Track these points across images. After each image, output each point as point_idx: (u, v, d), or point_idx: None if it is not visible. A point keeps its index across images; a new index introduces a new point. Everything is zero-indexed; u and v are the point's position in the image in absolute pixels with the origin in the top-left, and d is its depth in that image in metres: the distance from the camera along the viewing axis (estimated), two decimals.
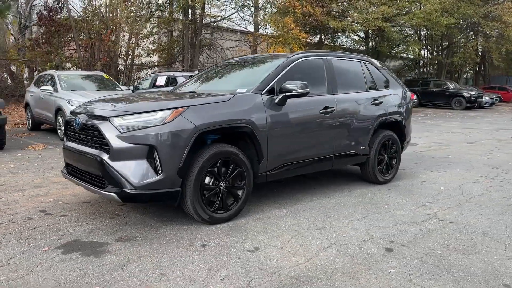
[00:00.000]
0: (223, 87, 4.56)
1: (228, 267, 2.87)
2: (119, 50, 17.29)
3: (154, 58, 21.99)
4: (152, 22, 21.17)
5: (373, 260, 3.05)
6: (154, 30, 21.30)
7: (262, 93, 4.10)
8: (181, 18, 21.51)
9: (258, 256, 3.07)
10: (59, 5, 16.90)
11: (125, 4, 18.59)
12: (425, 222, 3.96)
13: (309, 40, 25.30)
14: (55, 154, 7.44)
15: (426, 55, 34.14)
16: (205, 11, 21.49)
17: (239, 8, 23.06)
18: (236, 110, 3.81)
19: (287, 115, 4.23)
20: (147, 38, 20.29)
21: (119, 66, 18.52)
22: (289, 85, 4.10)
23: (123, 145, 3.33)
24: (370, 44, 30.36)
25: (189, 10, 21.12)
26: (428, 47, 33.26)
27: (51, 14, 16.72)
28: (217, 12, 22.41)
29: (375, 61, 5.78)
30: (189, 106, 3.56)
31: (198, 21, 21.21)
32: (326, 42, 29.03)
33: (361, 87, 5.29)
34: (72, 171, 4.02)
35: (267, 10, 23.75)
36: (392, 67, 36.35)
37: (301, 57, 4.66)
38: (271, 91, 4.18)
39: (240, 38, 24.88)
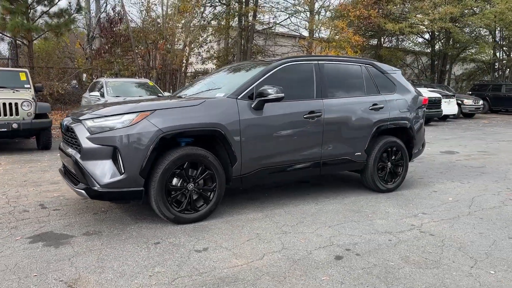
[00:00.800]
0: (212, 92, 4.70)
1: (165, 264, 2.98)
2: (174, 58, 18.15)
3: (210, 66, 22.77)
4: (208, 31, 21.98)
5: (314, 266, 2.98)
6: (209, 38, 22.08)
7: (238, 98, 4.17)
8: (235, 25, 22.07)
9: (201, 256, 3.14)
10: (119, 17, 18.20)
11: (180, 15, 19.50)
12: (401, 233, 3.76)
13: (366, 44, 24.62)
14: None
15: (502, 57, 31.52)
16: (256, 18, 21.84)
17: (292, 14, 23.14)
18: (205, 114, 3.92)
19: (265, 119, 4.25)
20: (201, 46, 21.09)
21: (175, 73, 19.45)
22: (264, 90, 4.12)
23: (91, 146, 3.59)
24: (436, 46, 28.79)
25: (242, 18, 21.59)
26: (504, 48, 30.70)
27: (111, 25, 18.05)
28: (270, 19, 22.67)
29: (380, 64, 5.57)
30: (155, 110, 3.75)
31: (250, 28, 21.60)
32: (385, 45, 28.07)
33: (358, 91, 5.13)
34: (64, 169, 4.40)
35: (321, 15, 23.61)
36: (464, 70, 34.05)
37: (285, 62, 4.66)
38: (251, 96, 4.23)
39: (293, 43, 24.89)
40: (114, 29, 18.27)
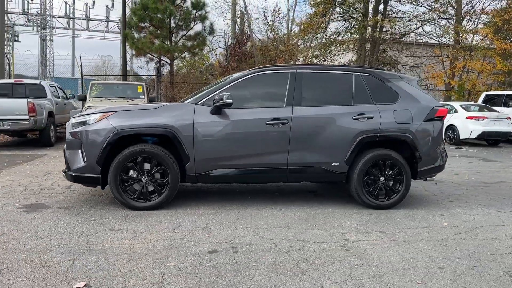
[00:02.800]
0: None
1: (80, 235, 3.64)
2: None
3: None
4: (332, 46, 22.16)
5: (181, 254, 3.24)
6: (334, 52, 22.20)
7: (198, 103, 4.61)
8: (358, 37, 21.69)
9: (108, 233, 3.70)
10: (246, 38, 19.96)
11: (304, 32, 20.25)
12: (318, 243, 3.62)
13: None
14: None
15: None
16: (384, 29, 21.02)
17: (427, 21, 21.47)
18: (159, 117, 4.48)
19: (222, 123, 4.57)
20: (324, 60, 21.38)
21: None
22: (217, 96, 4.47)
23: (70, 138, 4.54)
24: None
25: (365, 30, 21.08)
26: None
27: (239, 45, 19.92)
28: (401, 28, 21.52)
29: (381, 73, 5.18)
30: (116, 111, 4.49)
31: (376, 39, 20.91)
32: None
33: (344, 101, 4.92)
34: None
35: (468, 20, 21.28)
36: None
37: (254, 72, 4.88)
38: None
39: (430, 52, 22.95)
40: (242, 48, 20.07)
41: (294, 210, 4.71)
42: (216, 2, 22.99)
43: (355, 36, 22.71)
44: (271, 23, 20.40)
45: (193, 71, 23.72)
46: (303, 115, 4.72)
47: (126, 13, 19.18)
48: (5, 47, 38.47)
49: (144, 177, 4.47)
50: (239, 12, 21.72)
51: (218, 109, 4.55)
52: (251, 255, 3.30)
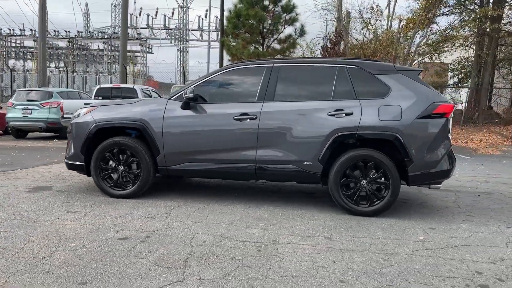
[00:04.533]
0: None
1: (49, 214, 4.13)
2: None
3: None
4: (446, 40, 20.10)
5: (101, 238, 3.44)
6: (446, 48, 20.15)
7: (171, 98, 4.77)
8: (471, 32, 19.23)
9: (65, 215, 4.08)
10: (340, 39, 19.39)
11: (406, 29, 18.87)
12: (227, 240, 3.47)
13: None
14: None
15: None
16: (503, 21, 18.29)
17: None
18: (134, 111, 4.76)
19: (191, 118, 4.64)
20: (430, 58, 19.57)
21: None
22: (185, 92, 4.57)
23: (68, 130, 5.13)
24: None
25: (480, 23, 18.55)
26: None
27: (333, 45, 19.46)
28: None
29: (372, 64, 4.61)
30: (99, 106, 4.92)
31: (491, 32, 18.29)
32: None
33: (322, 96, 4.55)
34: None
35: None
36: None
37: (234, 66, 4.83)
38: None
39: None
40: (335, 48, 19.58)
41: (261, 209, 4.54)
42: (316, 5, 22.55)
43: (473, 29, 20.19)
44: (367, 20, 19.44)
45: None
46: (272, 110, 4.51)
47: (224, 21, 20.33)
48: (139, 58, 44.23)
49: (121, 167, 4.80)
50: (337, 12, 21.14)
51: (187, 104, 4.64)
52: (155, 245, 3.33)
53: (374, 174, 4.36)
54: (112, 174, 4.84)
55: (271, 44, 19.03)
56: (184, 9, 55.53)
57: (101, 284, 2.62)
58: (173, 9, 52.36)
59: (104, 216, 4.07)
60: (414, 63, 18.98)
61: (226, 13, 20.12)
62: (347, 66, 4.59)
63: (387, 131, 4.28)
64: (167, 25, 59.47)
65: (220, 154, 4.60)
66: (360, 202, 4.40)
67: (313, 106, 4.47)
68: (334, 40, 19.50)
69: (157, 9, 53.26)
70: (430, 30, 19.53)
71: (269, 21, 18.52)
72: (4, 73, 31.90)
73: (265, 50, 18.74)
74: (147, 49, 43.16)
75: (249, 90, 4.71)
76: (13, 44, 43.54)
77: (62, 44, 44.40)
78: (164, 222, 3.95)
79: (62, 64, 44.02)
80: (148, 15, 59.57)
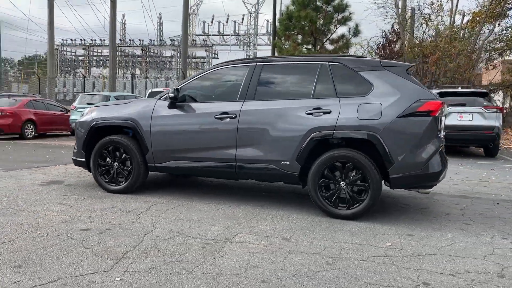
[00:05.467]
0: None
1: (29, 200, 4.53)
2: (438, 71, 16.62)
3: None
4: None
5: (65, 228, 3.71)
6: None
7: (160, 98, 4.96)
8: None
9: (54, 207, 4.43)
10: (396, 37, 18.47)
11: (472, 25, 17.56)
12: (180, 236, 3.52)
13: None
14: None
15: None
16: None
17: None
18: (126, 111, 5.01)
19: (175, 117, 4.78)
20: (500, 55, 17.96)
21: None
22: (168, 92, 4.73)
23: (75, 129, 5.55)
24: None
25: None
26: None
27: (389, 44, 18.61)
28: None
29: (356, 60, 4.39)
30: (100, 106, 5.24)
31: None
32: None
33: (302, 94, 4.43)
34: None
35: None
36: None
37: (220, 66, 4.88)
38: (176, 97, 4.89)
39: None
40: (391, 46, 18.72)
41: (240, 208, 4.53)
42: (375, 2, 21.75)
43: None
44: (427, 16, 18.32)
45: None
46: (252, 109, 4.49)
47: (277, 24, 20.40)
48: (206, 64, 45.92)
49: (115, 164, 5.08)
50: (395, 9, 20.19)
51: (173, 104, 4.78)
52: (108, 237, 3.48)
53: (354, 176, 4.15)
54: (109, 170, 5.13)
55: (323, 44, 18.72)
56: (254, 14, 56.66)
57: (33, 269, 2.82)
58: (243, 15, 53.62)
59: (87, 209, 4.34)
60: (480, 60, 17.49)
61: (278, 16, 20.23)
62: (329, 63, 4.42)
63: (364, 130, 4.06)
64: (236, 31, 61.03)
65: (203, 152, 4.68)
66: (339, 204, 4.21)
67: (292, 105, 4.37)
68: (390, 38, 18.61)
69: (228, 16, 54.93)
70: (499, 25, 17.86)
71: (321, 21, 18.23)
72: (77, 79, 35.05)
73: (317, 50, 18.49)
74: (213, 54, 44.67)
75: (233, 89, 4.73)
76: (95, 53, 47.58)
77: (137, 52, 47.63)
78: (136, 217, 4.12)
79: (138, 71, 47.21)
80: (219, 22, 61.64)
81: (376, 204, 4.17)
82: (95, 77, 41.59)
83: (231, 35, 61.92)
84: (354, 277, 2.85)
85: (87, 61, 47.07)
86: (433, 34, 18.15)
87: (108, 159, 5.12)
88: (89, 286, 2.60)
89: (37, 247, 3.22)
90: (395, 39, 18.52)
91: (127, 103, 5.22)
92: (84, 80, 32.12)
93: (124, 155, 5.01)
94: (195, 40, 46.27)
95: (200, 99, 4.86)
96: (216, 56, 46.03)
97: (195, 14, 64.13)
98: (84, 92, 27.33)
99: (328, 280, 2.79)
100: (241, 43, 61.50)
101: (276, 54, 20.17)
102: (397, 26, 18.83)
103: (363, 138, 4.07)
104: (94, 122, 5.13)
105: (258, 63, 4.69)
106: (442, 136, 4.35)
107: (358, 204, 4.14)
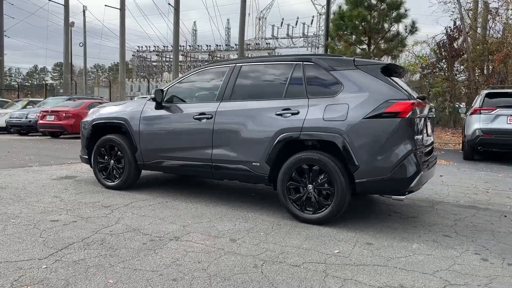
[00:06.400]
0: None
1: (29, 191, 4.98)
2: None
3: None
4: None
5: (40, 217, 4.05)
6: None
7: (149, 98, 5.17)
8: None
9: (49, 199, 4.85)
10: (459, 34, 17.15)
11: None
12: (128, 233, 3.66)
13: None
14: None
15: None
16: None
17: None
18: (119, 111, 5.29)
19: (160, 117, 4.95)
20: None
21: None
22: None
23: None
24: None
25: None
26: None
27: (450, 41, 17.35)
28: None
29: (330, 59, 4.21)
30: (102, 107, 5.59)
31: None
32: None
33: (275, 95, 4.35)
34: None
35: None
36: None
37: (204, 67, 4.98)
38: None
39: None
40: (453, 44, 17.46)
41: (215, 208, 4.56)
42: None
43: None
44: (494, 10, 16.80)
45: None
46: (226, 110, 4.52)
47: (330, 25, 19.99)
48: None
49: (111, 162, 5.39)
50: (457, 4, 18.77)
51: (159, 104, 4.97)
52: (66, 229, 3.68)
53: (321, 179, 4.00)
54: (106, 167, 5.46)
55: (377, 43, 17.99)
56: (324, 15, 56.17)
57: None
58: (313, 16, 53.30)
59: (72, 203, 4.66)
60: None
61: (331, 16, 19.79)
62: (303, 63, 4.30)
63: (329, 132, 3.89)
64: (305, 33, 60.70)
65: (184, 152, 4.79)
66: (307, 208, 4.08)
67: (263, 105, 4.32)
68: (452, 35, 17.29)
69: (298, 18, 54.97)
70: None
71: (374, 20, 17.54)
72: (141, 84, 37.27)
73: (371, 50, 17.83)
74: None
75: (213, 90, 4.79)
76: (167, 59, 50.33)
77: (206, 56, 49.51)
78: (109, 211, 4.34)
79: None
80: (288, 25, 61.85)
81: (342, 210, 3.96)
82: (166, 81, 43.93)
83: (300, 37, 61.68)
84: (271, 282, 2.77)
85: (160, 66, 49.94)
86: (501, 29, 16.56)
87: (106, 156, 5.44)
88: (16, 270, 2.81)
89: (1, 234, 3.54)
90: (457, 36, 17.17)
91: (123, 104, 5.51)
92: (149, 83, 34.14)
93: (118, 153, 5.29)
94: (258, 44, 46.86)
95: (184, 100, 4.98)
96: None
97: (265, 18, 64.88)
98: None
99: (240, 282, 2.74)
100: (309, 44, 61.01)
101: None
102: (460, 22, 17.44)
103: (327, 140, 3.91)
104: (94, 122, 5.49)
105: (237, 64, 4.70)
106: (423, 138, 4.02)
107: (324, 209, 3.97)
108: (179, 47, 45.79)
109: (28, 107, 18.88)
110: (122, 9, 29.42)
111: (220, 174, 4.63)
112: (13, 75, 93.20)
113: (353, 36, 18.40)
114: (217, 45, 47.54)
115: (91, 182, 5.82)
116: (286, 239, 3.63)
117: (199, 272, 2.89)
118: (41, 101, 20.01)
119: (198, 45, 46.83)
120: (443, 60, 17.53)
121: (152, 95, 4.88)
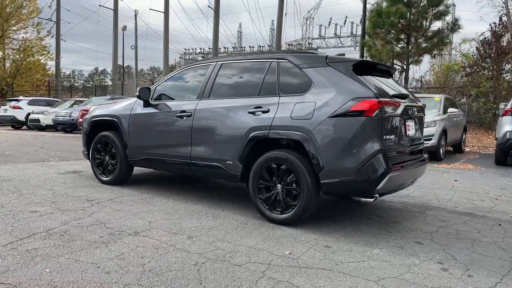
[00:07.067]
0: None
1: (30, 183, 5.28)
2: None
3: None
4: None
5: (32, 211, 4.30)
6: None
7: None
8: None
9: (41, 188, 5.12)
10: (503, 31, 16.01)
11: None
12: (93, 226, 3.77)
13: None
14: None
15: None
16: None
17: None
18: (113, 109, 5.47)
19: (147, 115, 5.06)
20: None
21: None
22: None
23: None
24: None
25: None
26: None
27: (495, 38, 16.26)
28: None
29: (303, 56, 4.09)
30: (100, 104, 5.81)
31: None
32: None
33: (250, 92, 4.30)
34: None
35: None
36: None
37: (187, 67, 5.03)
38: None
39: None
40: (499, 41, 16.36)
41: (192, 206, 4.59)
42: None
43: None
44: None
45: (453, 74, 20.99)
46: (204, 108, 4.53)
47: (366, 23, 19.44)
48: None
49: (106, 158, 5.58)
50: None
51: (146, 102, 5.08)
52: (40, 220, 3.86)
53: (289, 179, 3.91)
54: (102, 163, 5.66)
55: (416, 41, 17.22)
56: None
57: None
58: (346, 17, 52.11)
59: (61, 196, 4.87)
60: None
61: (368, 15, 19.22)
62: (278, 60, 4.22)
63: (295, 131, 3.79)
64: (354, 32, 59.61)
65: (166, 149, 4.87)
66: (276, 208, 4.00)
67: (238, 103, 4.30)
68: (496, 32, 16.17)
69: (346, 17, 54.03)
70: None
71: (413, 17, 16.81)
72: None
73: (410, 48, 17.13)
74: None
75: (195, 88, 4.83)
76: None
77: None
78: (89, 205, 4.49)
79: None
80: (336, 24, 60.92)
81: (308, 211, 3.84)
82: None
83: (348, 37, 60.42)
84: (201, 280, 2.75)
85: None
86: None
87: (102, 153, 5.64)
88: None
89: None
90: (502, 33, 16.03)
91: (119, 101, 5.69)
92: None
93: (112, 149, 5.47)
94: (301, 44, 46.44)
95: (173, 98, 5.05)
96: None
97: (312, 18, 64.31)
98: None
99: (169, 279, 2.74)
100: (357, 44, 59.54)
101: (366, 54, 19.25)
102: (506, 18, 16.27)
103: (294, 139, 3.81)
104: (93, 119, 5.71)
105: (217, 62, 4.70)
106: (397, 138, 3.81)
107: (290, 209, 3.87)
108: (224, 48, 46.65)
109: (74, 106, 20.00)
110: (166, 12, 30.37)
111: (198, 172, 4.66)
112: (76, 76, 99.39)
113: (391, 34, 17.75)
114: (259, 46, 47.73)
115: (91, 177, 6.06)
116: (244, 238, 3.58)
117: (135, 267, 2.92)
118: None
119: (241, 47, 47.27)
120: (487, 59, 16.44)
121: (137, 93, 4.99)
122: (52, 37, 35.99)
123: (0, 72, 31.99)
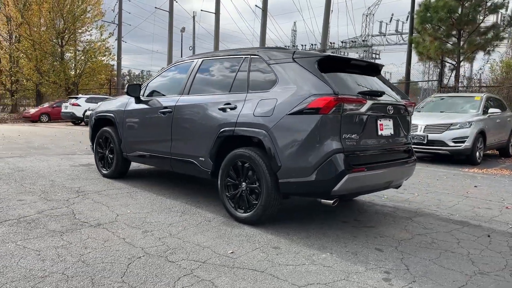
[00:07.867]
0: None
1: (40, 174, 5.64)
2: None
3: None
4: None
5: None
6: None
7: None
8: None
9: (46, 181, 5.45)
10: None
11: None
12: (63, 216, 3.94)
13: None
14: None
15: None
16: None
17: None
18: (110, 105, 5.68)
19: (136, 111, 5.20)
20: None
21: None
22: None
23: None
24: None
25: None
26: None
27: None
28: None
29: (272, 52, 3.98)
30: (104, 101, 6.05)
31: None
32: None
33: (223, 89, 4.26)
34: None
35: None
36: None
37: (175, 63, 5.08)
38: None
39: None
40: None
41: (172, 202, 4.63)
42: None
43: None
44: None
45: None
46: (183, 104, 4.57)
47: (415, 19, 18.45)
48: None
49: (106, 152, 5.82)
50: None
51: (137, 99, 5.22)
52: (21, 208, 4.12)
53: (252, 177, 3.83)
54: (104, 157, 5.91)
55: (468, 37, 16.06)
56: None
57: None
58: (408, 12, 49.84)
59: (56, 187, 5.14)
60: None
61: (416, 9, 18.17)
62: (251, 56, 4.15)
63: (256, 128, 3.71)
64: (399, 30, 56.92)
65: (154, 144, 4.97)
66: (241, 206, 3.94)
67: (211, 100, 4.28)
68: None
69: (392, 14, 51.99)
70: None
71: (465, 11, 15.69)
72: None
73: (461, 44, 16.03)
74: (373, 55, 42.81)
75: (178, 85, 4.87)
76: None
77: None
78: (75, 196, 4.71)
79: None
80: (397, 21, 58.41)
81: (269, 211, 3.72)
82: None
83: (393, 34, 57.82)
84: (121, 275, 2.76)
85: None
86: None
87: (103, 147, 5.89)
88: None
89: None
90: None
91: (115, 99, 5.90)
92: None
93: (111, 144, 5.69)
94: (354, 41, 45.16)
95: (163, 94, 5.12)
96: (377, 56, 43.95)
97: (372, 15, 62.40)
98: None
99: (95, 270, 2.78)
100: (404, 41, 56.83)
101: (413, 51, 18.30)
102: None
103: (255, 136, 3.71)
104: (96, 115, 5.98)
105: (199, 58, 4.71)
106: (360, 137, 3.57)
107: (252, 208, 3.79)
108: (313, 46, 46.41)
109: None
110: (217, 13, 30.95)
111: (177, 168, 4.72)
112: (144, 77, 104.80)
113: (440, 30, 16.70)
114: (312, 44, 47.04)
115: (96, 170, 6.35)
116: (197, 235, 3.55)
117: (73, 257, 3.00)
118: None
119: (294, 45, 46.92)
120: None
121: (125, 90, 5.14)
122: (115, 40, 38.15)
123: (68, 72, 34.41)
